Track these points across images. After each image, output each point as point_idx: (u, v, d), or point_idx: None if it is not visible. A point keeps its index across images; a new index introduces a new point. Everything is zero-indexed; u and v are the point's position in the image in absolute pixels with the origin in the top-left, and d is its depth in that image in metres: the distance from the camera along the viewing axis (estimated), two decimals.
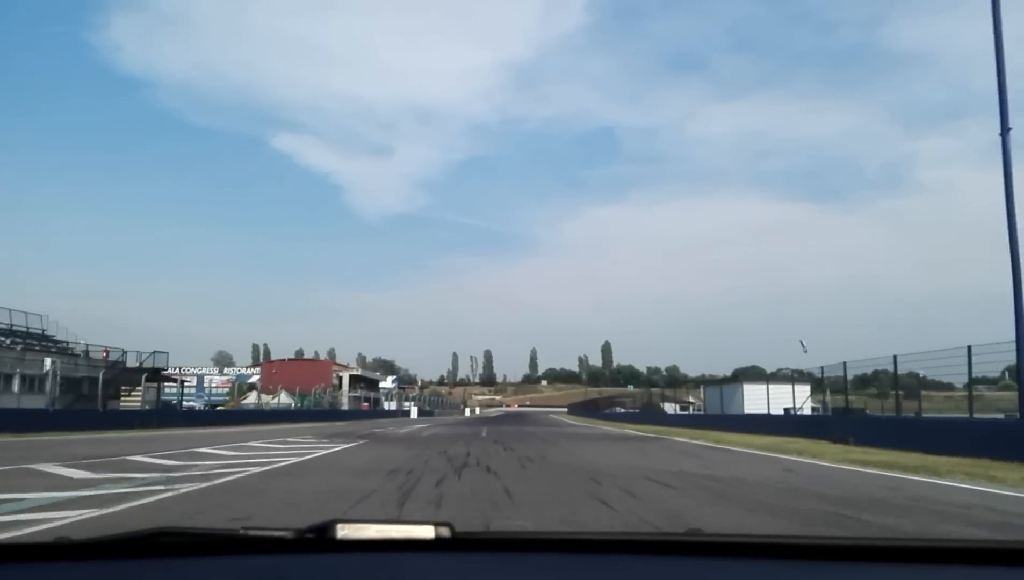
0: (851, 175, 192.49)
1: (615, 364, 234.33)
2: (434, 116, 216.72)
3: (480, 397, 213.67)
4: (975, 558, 1.37)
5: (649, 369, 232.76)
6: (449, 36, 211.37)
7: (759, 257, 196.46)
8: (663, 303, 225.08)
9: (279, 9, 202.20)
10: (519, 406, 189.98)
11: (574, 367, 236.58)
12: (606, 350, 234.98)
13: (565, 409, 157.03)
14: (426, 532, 1.42)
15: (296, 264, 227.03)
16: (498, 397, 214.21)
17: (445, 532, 1.42)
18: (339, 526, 1.41)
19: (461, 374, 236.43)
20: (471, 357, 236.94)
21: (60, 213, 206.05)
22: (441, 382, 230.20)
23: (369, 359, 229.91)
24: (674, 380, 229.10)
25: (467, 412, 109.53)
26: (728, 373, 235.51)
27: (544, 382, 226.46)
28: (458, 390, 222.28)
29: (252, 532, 1.46)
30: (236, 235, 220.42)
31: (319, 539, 1.42)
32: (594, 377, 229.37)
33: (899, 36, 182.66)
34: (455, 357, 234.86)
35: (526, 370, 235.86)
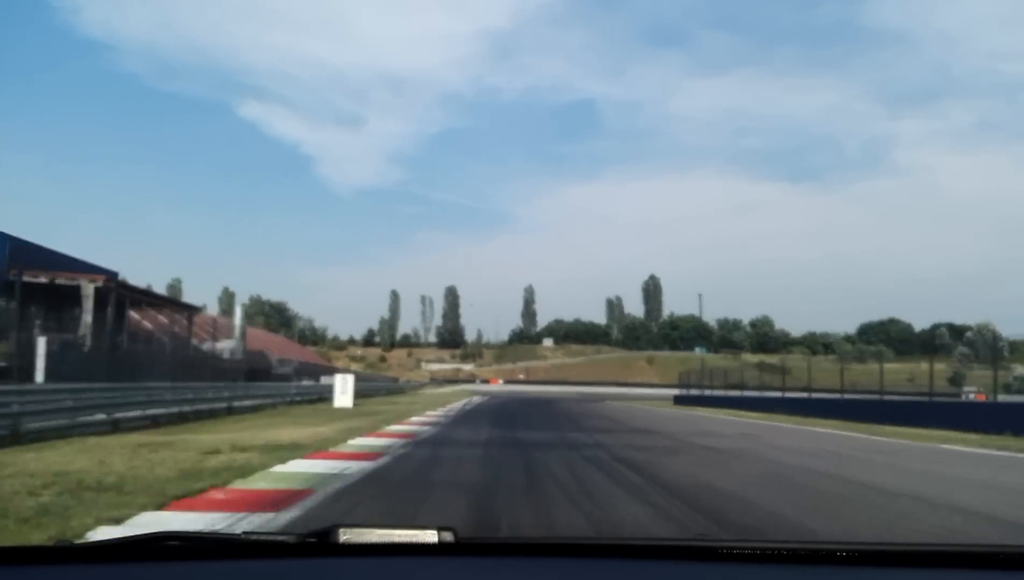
0: (831, 154, 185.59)
1: (667, 313, 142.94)
2: (407, 85, 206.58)
3: (437, 365, 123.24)
4: (977, 562, 1.41)
5: (723, 322, 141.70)
6: (422, 1, 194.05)
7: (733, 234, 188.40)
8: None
9: None
10: (505, 382, 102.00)
11: (598, 318, 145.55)
12: (651, 290, 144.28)
13: (648, 392, 67.83)
14: (429, 537, 1.43)
15: (263, 238, 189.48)
16: (467, 366, 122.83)
17: (448, 537, 1.43)
18: (341, 530, 1.43)
19: (406, 328, 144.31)
20: (423, 298, 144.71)
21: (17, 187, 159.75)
22: (370, 341, 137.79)
23: (246, 300, 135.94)
24: (766, 339, 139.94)
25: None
26: (850, 331, 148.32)
27: (548, 341, 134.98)
28: (398, 354, 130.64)
29: (253, 536, 1.50)
30: (199, 208, 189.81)
31: (321, 543, 1.43)
32: (632, 333, 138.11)
33: (881, 14, 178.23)
34: (394, 297, 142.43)
35: (517, 323, 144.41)
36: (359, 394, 42.85)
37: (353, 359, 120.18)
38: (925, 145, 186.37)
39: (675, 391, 65.62)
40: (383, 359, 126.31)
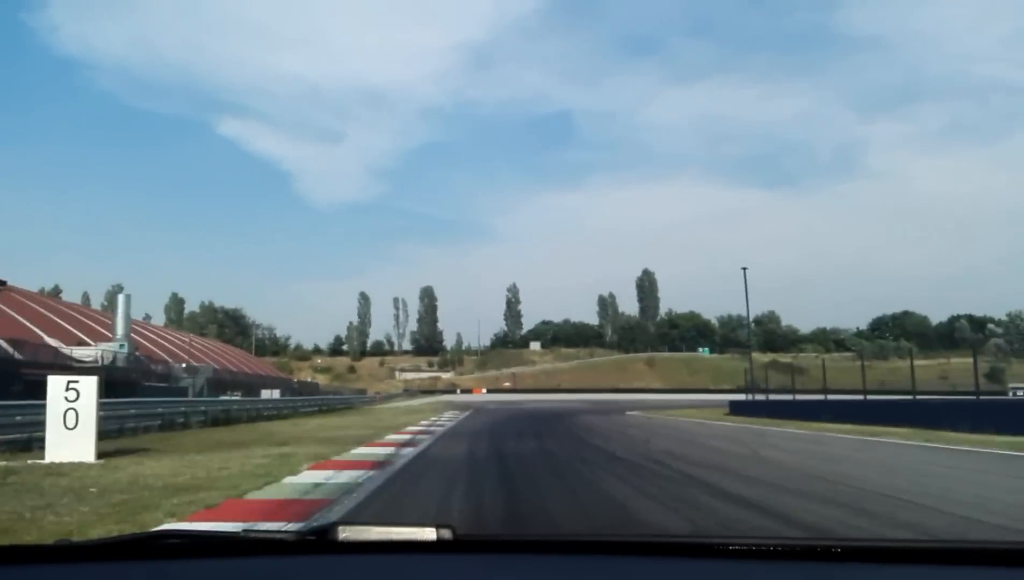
0: (805, 160, 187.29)
1: (665, 311, 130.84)
2: (386, 100, 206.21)
3: (413, 374, 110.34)
4: (976, 559, 1.41)
5: (724, 320, 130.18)
6: (399, 15, 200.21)
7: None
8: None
9: None
10: (489, 390, 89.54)
11: (589, 318, 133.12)
12: (646, 286, 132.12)
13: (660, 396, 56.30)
14: (428, 534, 1.44)
15: (240, 254, 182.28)
16: (446, 374, 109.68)
17: (447, 534, 1.45)
18: (340, 528, 1.44)
19: (378, 334, 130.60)
20: (396, 300, 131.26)
21: None
22: (337, 350, 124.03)
23: (194, 308, 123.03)
24: (774, 337, 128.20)
25: None
26: (862, 326, 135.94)
27: (536, 344, 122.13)
28: (369, 363, 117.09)
29: (253, 534, 1.51)
30: (183, 225, 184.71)
31: (320, 541, 1.44)
32: (628, 333, 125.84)
33: (853, 19, 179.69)
34: (363, 301, 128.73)
35: (500, 327, 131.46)
36: (262, 415, 27.09)
37: (317, 370, 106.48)
38: (898, 148, 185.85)
39: (689, 396, 53.14)
40: (352, 369, 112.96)
